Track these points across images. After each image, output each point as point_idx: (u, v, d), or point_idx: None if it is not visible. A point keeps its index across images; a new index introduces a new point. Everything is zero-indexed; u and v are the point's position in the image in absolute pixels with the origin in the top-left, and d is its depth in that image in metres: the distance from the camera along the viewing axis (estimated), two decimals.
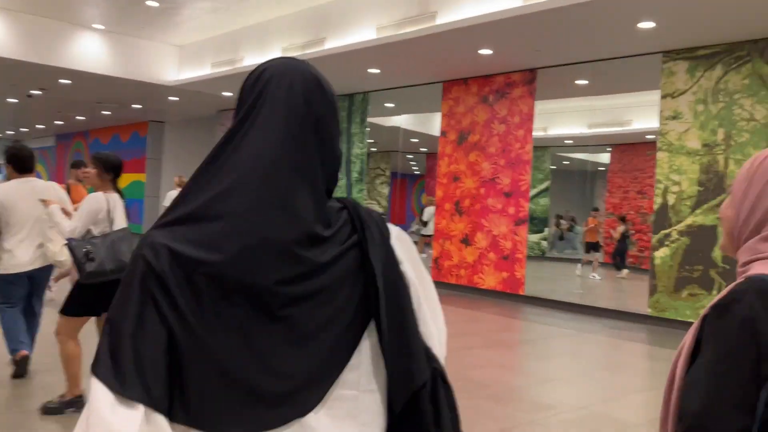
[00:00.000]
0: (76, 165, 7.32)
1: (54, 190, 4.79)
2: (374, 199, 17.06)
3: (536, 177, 11.29)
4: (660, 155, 8.54)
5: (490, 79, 10.48)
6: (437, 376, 1.02)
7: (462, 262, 10.67)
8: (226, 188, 0.94)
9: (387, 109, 13.32)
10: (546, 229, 13.17)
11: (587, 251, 11.99)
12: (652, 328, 8.39)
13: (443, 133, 11.19)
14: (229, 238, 0.92)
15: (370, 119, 12.69)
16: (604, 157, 18.23)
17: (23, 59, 11.67)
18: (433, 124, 15.91)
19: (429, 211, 13.69)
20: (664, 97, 8.51)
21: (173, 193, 13.20)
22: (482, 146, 10.54)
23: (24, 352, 4.68)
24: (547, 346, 7.40)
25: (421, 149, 19.76)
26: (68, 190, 6.53)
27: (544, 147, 12.63)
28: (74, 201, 5.54)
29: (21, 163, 4.70)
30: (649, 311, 8.56)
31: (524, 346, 7.46)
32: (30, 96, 15.75)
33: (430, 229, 12.91)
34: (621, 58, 8.92)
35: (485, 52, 9.13)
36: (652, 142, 8.79)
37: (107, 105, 16.83)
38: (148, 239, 0.93)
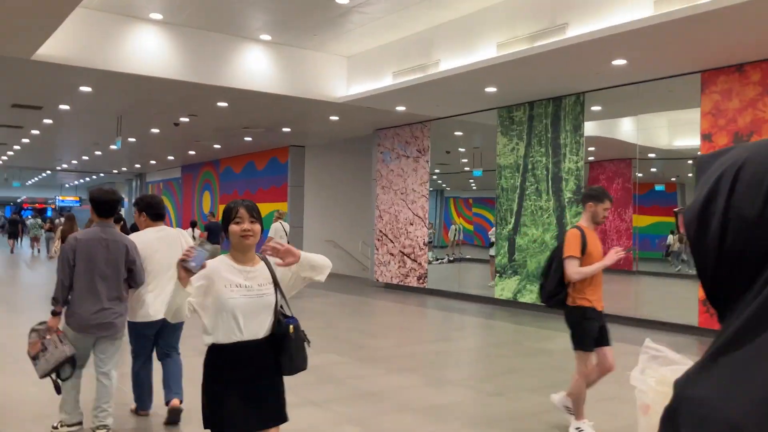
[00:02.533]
0: (597, 197, 4.63)
1: (184, 237, 4.82)
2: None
3: None
4: None
5: None
6: None
7: None
8: None
9: (592, 114, 11.07)
10: None
11: None
12: None
13: (706, 136, 8.79)
14: None
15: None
16: None
17: (183, 79, 10.21)
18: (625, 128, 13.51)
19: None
20: None
21: (277, 226, 12.82)
22: None
23: (145, 411, 4.89)
24: None
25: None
26: (583, 237, 4.48)
27: None
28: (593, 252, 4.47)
29: (154, 211, 4.75)
30: None
31: None
32: (177, 125, 14.52)
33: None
34: None
35: None
36: None
37: (253, 130, 15.43)
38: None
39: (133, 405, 4.93)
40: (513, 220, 11.48)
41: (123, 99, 12.00)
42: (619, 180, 18.68)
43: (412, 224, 13.88)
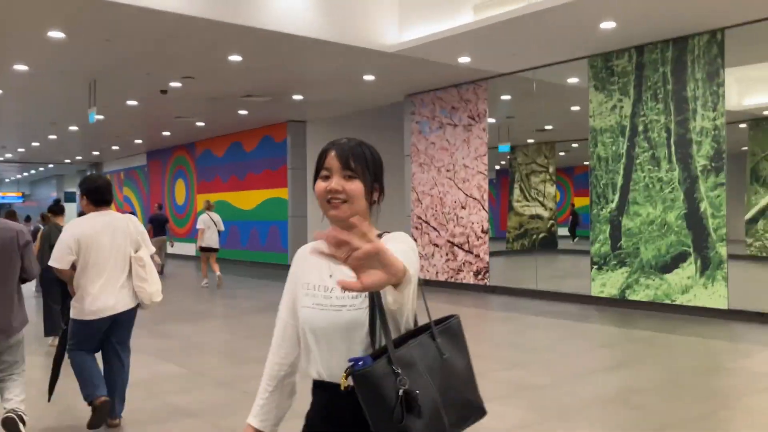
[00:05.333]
0: None
1: (133, 223, 4.21)
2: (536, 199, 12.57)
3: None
4: None
5: None
6: None
7: None
8: None
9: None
10: None
11: None
12: None
13: None
14: None
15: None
16: None
17: (194, 14, 7.41)
18: None
19: None
20: None
21: (205, 217, 12.13)
22: None
23: (103, 397, 4.00)
24: None
25: None
26: None
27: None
28: None
29: (98, 195, 4.13)
30: None
31: None
32: (165, 92, 11.59)
33: None
34: None
35: None
36: None
37: (256, 99, 12.60)
38: None
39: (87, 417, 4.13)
40: (617, 197, 9.09)
41: (103, 53, 9.04)
42: None
43: (464, 207, 11.37)
